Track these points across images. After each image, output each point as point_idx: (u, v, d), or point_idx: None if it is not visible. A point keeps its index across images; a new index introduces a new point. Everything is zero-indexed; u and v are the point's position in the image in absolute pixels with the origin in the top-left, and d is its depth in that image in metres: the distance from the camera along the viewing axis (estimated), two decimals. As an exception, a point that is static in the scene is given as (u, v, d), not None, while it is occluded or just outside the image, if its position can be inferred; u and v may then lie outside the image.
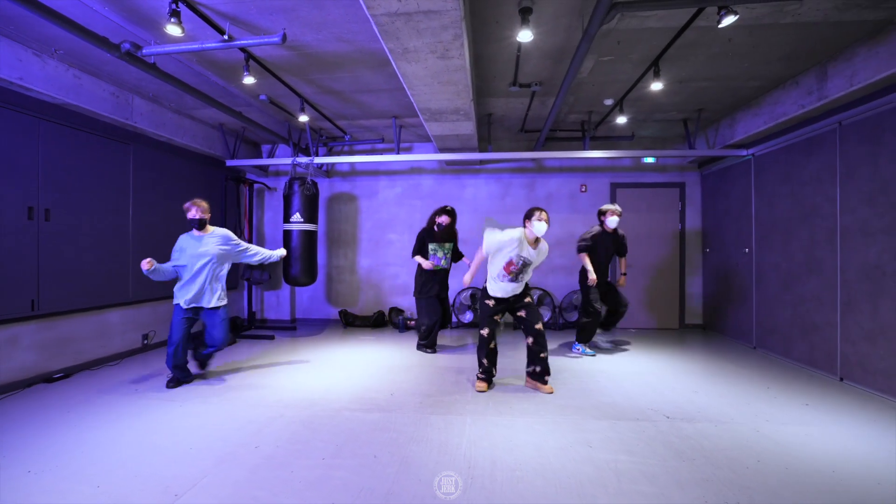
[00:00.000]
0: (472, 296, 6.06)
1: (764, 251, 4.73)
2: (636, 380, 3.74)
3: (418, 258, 4.70)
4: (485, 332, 3.47)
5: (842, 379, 3.67)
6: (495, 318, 3.50)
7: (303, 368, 4.06)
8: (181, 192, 5.20)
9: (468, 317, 6.05)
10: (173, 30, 2.72)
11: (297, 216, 5.34)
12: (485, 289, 3.54)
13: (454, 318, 6.15)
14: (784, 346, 4.39)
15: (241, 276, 6.17)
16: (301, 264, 5.34)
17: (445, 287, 4.81)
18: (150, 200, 4.75)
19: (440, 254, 4.65)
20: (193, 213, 3.50)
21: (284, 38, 2.88)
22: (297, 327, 6.13)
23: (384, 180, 6.55)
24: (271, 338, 5.42)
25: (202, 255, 3.50)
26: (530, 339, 3.44)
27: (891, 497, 2.01)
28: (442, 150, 5.47)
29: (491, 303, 3.49)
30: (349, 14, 2.89)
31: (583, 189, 6.26)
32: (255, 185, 6.49)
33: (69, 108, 3.82)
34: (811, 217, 4.02)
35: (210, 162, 5.69)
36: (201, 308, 3.57)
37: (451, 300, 6.16)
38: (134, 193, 4.53)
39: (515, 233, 3.33)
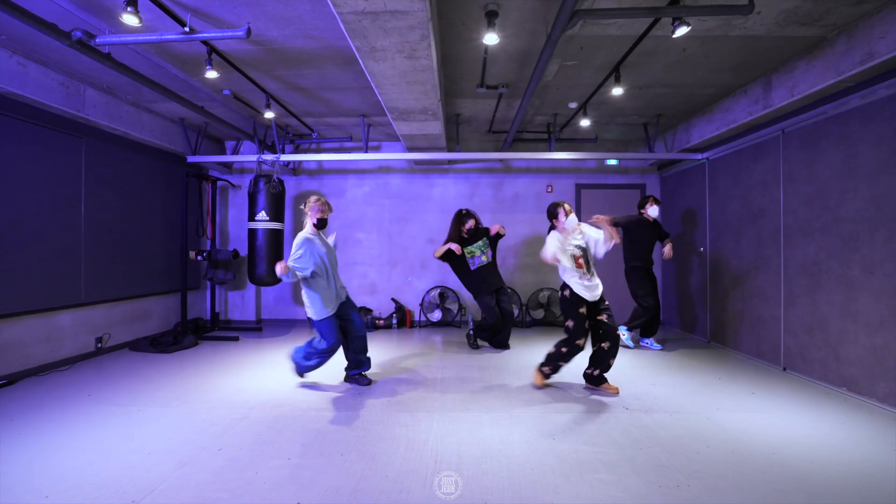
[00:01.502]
0: (441, 294, 6.10)
1: (717, 250, 5.00)
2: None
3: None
4: (580, 342, 3.29)
5: (785, 369, 3.94)
6: (587, 325, 3.34)
7: (269, 370, 3.99)
8: (138, 188, 5.00)
9: (436, 315, 6.08)
10: (129, 19, 2.62)
11: (262, 214, 5.23)
12: (572, 296, 3.32)
13: (423, 317, 6.17)
14: (735, 340, 4.66)
15: (203, 275, 5.98)
16: (267, 263, 5.24)
17: (499, 279, 4.69)
18: (105, 196, 4.53)
19: (478, 254, 4.63)
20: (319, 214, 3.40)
21: (249, 32, 2.82)
22: (262, 328, 5.99)
23: (353, 179, 6.50)
24: (236, 339, 5.28)
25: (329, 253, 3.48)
26: (607, 344, 3.30)
27: (822, 474, 2.19)
28: (410, 149, 5.48)
29: (584, 310, 3.31)
30: (316, 10, 2.87)
31: (549, 190, 6.42)
32: (219, 183, 6.30)
33: (13, 97, 3.60)
34: (758, 218, 4.28)
35: (170, 158, 5.48)
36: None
37: (422, 299, 6.19)
38: (87, 189, 4.31)
39: (557, 236, 3.36)
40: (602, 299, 3.37)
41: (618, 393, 3.35)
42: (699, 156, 5.24)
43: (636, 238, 4.76)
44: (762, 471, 2.22)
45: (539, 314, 6.15)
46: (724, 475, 2.18)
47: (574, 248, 3.33)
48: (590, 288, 3.31)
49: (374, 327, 5.98)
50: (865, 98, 3.18)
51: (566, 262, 3.28)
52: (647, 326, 4.78)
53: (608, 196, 6.39)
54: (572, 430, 2.70)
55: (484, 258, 4.65)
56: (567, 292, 3.35)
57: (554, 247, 3.28)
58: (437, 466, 2.25)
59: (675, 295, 5.97)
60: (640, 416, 2.93)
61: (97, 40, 2.94)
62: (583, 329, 3.30)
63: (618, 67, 3.68)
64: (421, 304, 6.18)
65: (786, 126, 3.90)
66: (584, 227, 3.45)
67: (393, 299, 6.30)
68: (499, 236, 4.74)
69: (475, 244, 4.65)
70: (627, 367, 4.08)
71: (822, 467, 2.26)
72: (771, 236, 4.10)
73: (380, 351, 4.74)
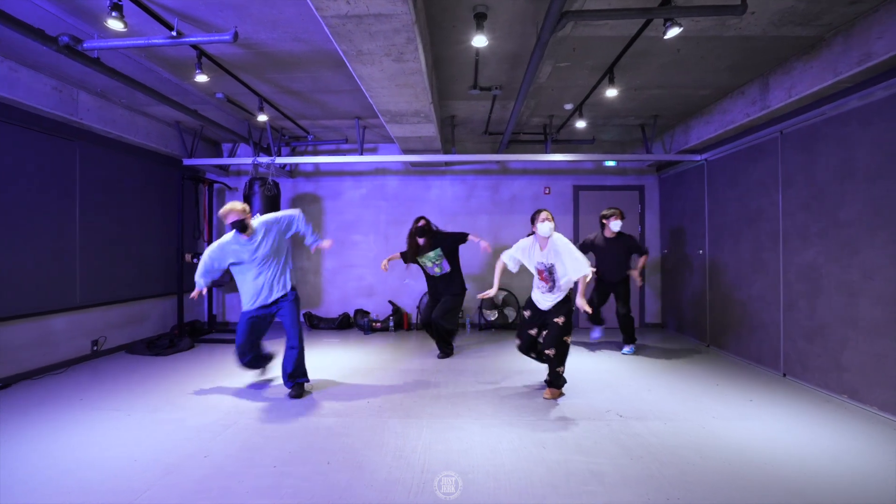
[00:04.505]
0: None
1: (716, 252, 4.93)
2: (593, 378, 3.84)
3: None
4: (518, 343, 3.47)
5: (784, 375, 3.88)
6: (529, 331, 3.40)
7: (263, 373, 3.97)
8: (134, 191, 5.00)
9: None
10: (115, 24, 2.60)
11: (257, 217, 5.20)
12: (527, 299, 3.46)
13: (420, 320, 6.14)
14: (734, 344, 4.59)
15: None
16: (262, 267, 5.21)
17: (448, 287, 4.53)
18: (100, 200, 4.53)
19: (430, 265, 4.50)
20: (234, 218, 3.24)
21: (236, 36, 2.80)
22: (259, 331, 5.97)
23: (349, 181, 6.48)
24: (232, 342, 5.26)
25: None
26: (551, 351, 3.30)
27: (822, 488, 2.13)
28: (406, 151, 5.45)
29: (527, 313, 3.41)
30: (303, 13, 2.84)
31: (546, 191, 6.37)
32: (216, 185, 6.30)
33: (5, 101, 3.60)
34: (757, 220, 4.22)
35: (166, 161, 5.48)
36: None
37: (419, 301, 6.16)
38: (81, 192, 4.31)
39: (523, 242, 3.40)
40: (554, 313, 3.26)
41: (553, 399, 3.33)
42: (698, 157, 5.18)
43: (597, 256, 4.75)
44: (758, 484, 2.17)
45: (492, 315, 6.11)
46: (718, 489, 2.12)
47: (539, 264, 3.30)
48: (545, 299, 3.30)
49: (371, 330, 5.95)
50: (864, 99, 3.11)
51: (535, 274, 3.35)
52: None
53: (605, 198, 6.33)
54: (563, 439, 2.65)
55: (437, 269, 4.51)
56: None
57: (513, 252, 3.41)
58: (424, 477, 2.21)
59: (674, 297, 5.91)
60: (633, 423, 2.88)
61: (85, 45, 2.92)
62: (525, 343, 3.43)
63: (612, 69, 3.63)
64: (418, 307, 6.15)
65: (784, 127, 3.84)
66: (562, 247, 3.20)
67: (390, 301, 6.28)
68: (457, 243, 4.54)
69: (427, 255, 4.47)
70: (623, 372, 4.03)
71: (821, 480, 2.21)
72: (770, 239, 4.04)
73: (375, 354, 4.71)
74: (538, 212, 3.28)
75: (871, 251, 3.06)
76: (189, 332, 5.40)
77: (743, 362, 4.38)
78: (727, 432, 2.75)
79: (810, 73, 3.31)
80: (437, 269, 4.50)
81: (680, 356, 4.65)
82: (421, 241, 4.45)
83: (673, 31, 2.66)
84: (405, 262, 4.67)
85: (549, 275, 3.25)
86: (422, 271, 4.69)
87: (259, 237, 3.34)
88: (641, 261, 4.78)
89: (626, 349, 4.76)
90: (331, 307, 6.47)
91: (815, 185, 3.53)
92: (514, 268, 3.49)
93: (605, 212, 4.73)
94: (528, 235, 3.43)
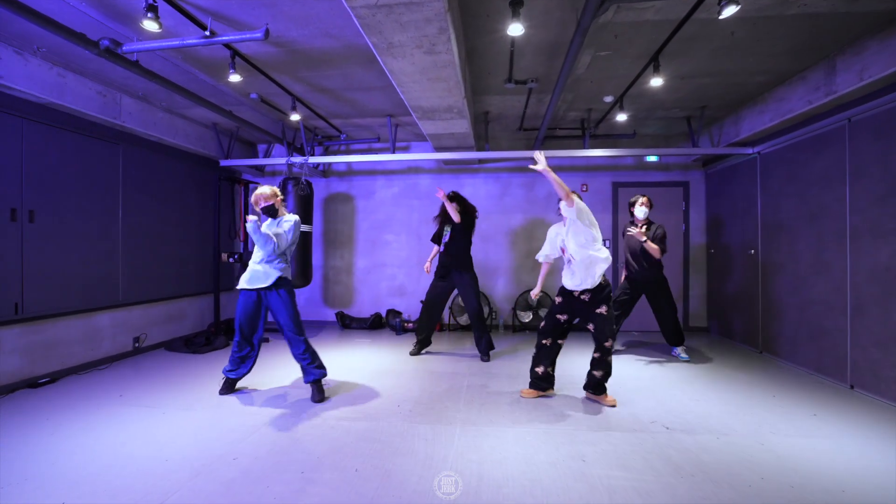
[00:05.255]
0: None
1: (769, 252, 4.57)
2: (635, 386, 3.61)
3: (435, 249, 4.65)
4: (546, 341, 3.30)
5: (852, 387, 3.52)
6: (558, 316, 3.24)
7: (295, 373, 3.96)
8: (173, 192, 5.13)
9: (466, 318, 5.92)
10: (150, 25, 2.62)
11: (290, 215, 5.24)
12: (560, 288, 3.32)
13: (452, 320, 6.03)
14: (791, 351, 4.23)
15: (236, 277, 6.09)
16: (296, 266, 5.25)
17: (458, 263, 4.46)
18: (141, 201, 4.67)
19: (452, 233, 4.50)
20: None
21: (267, 33, 2.78)
22: (292, 329, 6.03)
23: (381, 180, 6.45)
24: (266, 340, 5.33)
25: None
26: (597, 354, 3.18)
27: (904, 520, 1.88)
28: (438, 149, 5.35)
29: (558, 300, 3.27)
30: (333, 8, 2.78)
31: (584, 188, 6.12)
32: (251, 186, 6.41)
33: (53, 107, 3.74)
34: (819, 217, 3.86)
35: (203, 162, 5.61)
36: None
37: (451, 301, 6.05)
38: (124, 194, 4.46)
39: (551, 231, 3.40)
40: (595, 295, 3.10)
41: (613, 405, 3.17)
42: (749, 150, 4.82)
43: (627, 248, 4.47)
44: (827, 511, 1.93)
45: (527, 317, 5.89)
46: (780, 514, 1.90)
47: (562, 241, 3.23)
48: (568, 275, 3.18)
49: (403, 330, 5.89)
50: (952, 79, 2.76)
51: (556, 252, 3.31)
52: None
53: (647, 194, 5.97)
54: (605, 452, 2.47)
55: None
56: None
57: (543, 249, 3.41)
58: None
59: (721, 300, 5.54)
60: (681, 437, 2.66)
61: (124, 48, 2.98)
62: (549, 326, 3.27)
63: (657, 56, 3.39)
64: (450, 308, 6.04)
65: (853, 115, 3.48)
66: (568, 211, 3.09)
67: (422, 301, 6.18)
68: (471, 227, 4.51)
69: (454, 225, 4.47)
70: (668, 380, 3.78)
71: (901, 510, 1.94)
72: (834, 238, 3.68)
73: (406, 355, 4.64)
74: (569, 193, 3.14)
75: (961, 251, 2.70)
76: (224, 331, 5.50)
77: (801, 371, 4.02)
78: (790, 451, 2.49)
79: (887, 53, 2.97)
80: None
81: (729, 363, 4.33)
82: (452, 210, 4.35)
83: (729, 10, 2.42)
84: (437, 241, 4.61)
85: (565, 247, 3.19)
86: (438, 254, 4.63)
87: (284, 227, 3.35)
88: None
89: (682, 355, 4.42)
90: (363, 307, 6.46)
91: (892, 176, 3.16)
92: (550, 259, 3.44)
93: (632, 199, 4.51)
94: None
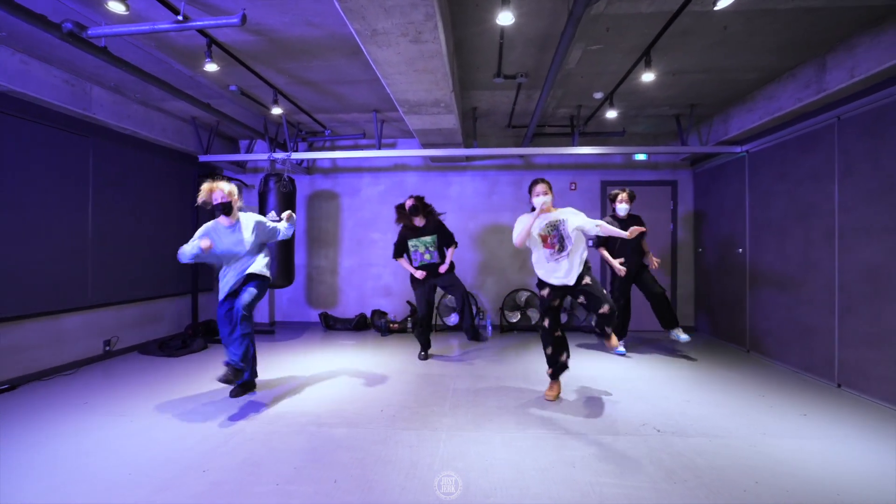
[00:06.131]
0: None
1: (758, 251, 4.55)
2: (625, 387, 3.54)
3: (402, 262, 4.41)
4: (546, 322, 3.22)
5: (839, 385, 3.50)
6: (552, 303, 3.18)
7: (274, 377, 3.81)
8: (149, 188, 4.92)
9: (453, 319, 5.81)
10: (116, 7, 2.46)
11: (272, 214, 5.01)
12: (538, 281, 3.23)
13: (439, 321, 5.91)
14: (778, 350, 4.21)
15: (215, 277, 5.88)
16: (277, 265, 5.08)
17: (442, 276, 4.30)
18: (114, 197, 4.46)
19: (422, 249, 4.29)
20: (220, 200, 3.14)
21: (244, 19, 2.62)
22: (275, 331, 5.86)
23: (367, 177, 6.30)
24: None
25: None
26: (605, 308, 3.00)
27: (903, 526, 1.82)
28: (425, 145, 5.23)
29: (545, 292, 3.18)
30: (314, -7, 2.65)
31: (572, 187, 6.06)
32: (233, 182, 6.19)
33: (15, 95, 3.52)
34: (807, 216, 3.84)
35: (182, 157, 5.40)
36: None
37: (438, 302, 5.93)
38: (94, 190, 4.24)
39: (520, 220, 3.18)
40: (579, 281, 3.06)
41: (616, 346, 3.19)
42: (738, 149, 4.80)
43: (606, 240, 4.38)
44: (826, 518, 1.87)
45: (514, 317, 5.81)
46: (778, 522, 1.83)
47: (543, 228, 3.10)
48: (555, 269, 3.08)
49: (389, 331, 5.76)
50: (943, 77, 2.74)
51: (538, 246, 3.14)
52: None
53: (636, 193, 5.95)
54: (595, 457, 2.38)
55: (428, 256, 4.25)
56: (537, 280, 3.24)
57: (519, 228, 3.12)
58: (440, 499, 1.98)
59: (709, 299, 5.53)
60: (673, 440, 2.59)
61: (89, 32, 2.79)
62: (546, 312, 3.20)
63: (649, 51, 3.32)
64: (437, 307, 5.92)
65: (843, 112, 3.46)
66: (567, 212, 3.11)
67: (408, 302, 6.07)
68: (449, 240, 4.34)
69: (421, 238, 4.26)
70: (657, 380, 3.72)
71: (900, 515, 1.89)
72: (822, 237, 3.66)
73: (391, 357, 4.51)
74: (536, 182, 3.15)
75: (952, 250, 2.68)
76: (203, 333, 5.31)
77: (789, 370, 4.00)
78: (783, 452, 2.44)
79: (878, 50, 2.94)
80: (427, 256, 4.28)
81: (718, 363, 4.29)
82: (418, 221, 4.21)
83: (724, 1, 2.35)
84: (397, 256, 4.38)
85: (556, 232, 3.06)
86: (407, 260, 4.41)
87: (243, 234, 3.20)
88: (645, 246, 4.48)
89: (680, 336, 4.30)
90: (347, 307, 6.31)
91: (881, 174, 3.14)
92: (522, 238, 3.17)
93: (612, 192, 4.46)
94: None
